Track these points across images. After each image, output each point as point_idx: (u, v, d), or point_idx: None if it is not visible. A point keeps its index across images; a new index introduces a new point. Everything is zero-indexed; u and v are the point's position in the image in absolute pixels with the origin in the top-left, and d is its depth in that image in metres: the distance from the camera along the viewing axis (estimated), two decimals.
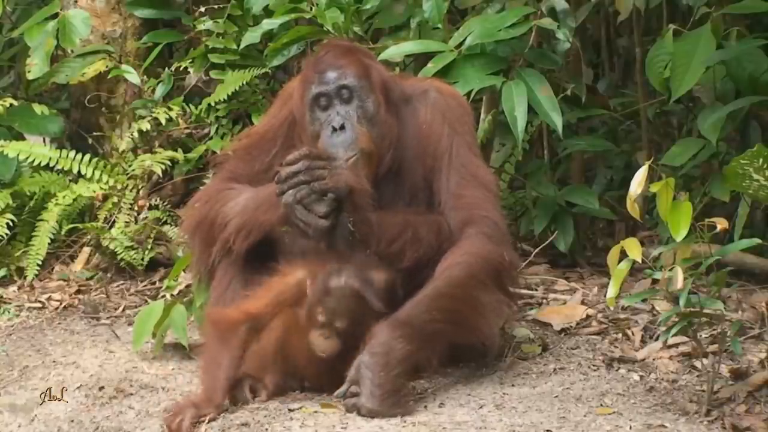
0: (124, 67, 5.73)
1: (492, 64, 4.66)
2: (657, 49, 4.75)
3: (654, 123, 5.49)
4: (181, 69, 5.72)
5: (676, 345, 4.10)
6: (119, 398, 4.04)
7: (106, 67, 5.73)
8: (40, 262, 5.32)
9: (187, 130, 5.71)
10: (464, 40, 4.65)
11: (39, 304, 5.11)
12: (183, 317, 4.37)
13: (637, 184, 3.52)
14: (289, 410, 3.69)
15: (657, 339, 4.18)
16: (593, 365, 4.06)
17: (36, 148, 5.55)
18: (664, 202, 3.47)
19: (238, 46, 5.53)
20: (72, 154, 5.54)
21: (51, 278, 5.42)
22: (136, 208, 5.53)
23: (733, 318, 4.16)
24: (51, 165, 5.51)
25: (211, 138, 5.65)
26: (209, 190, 4.25)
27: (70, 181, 5.60)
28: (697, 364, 3.93)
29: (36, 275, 5.31)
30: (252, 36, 5.32)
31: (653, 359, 4.06)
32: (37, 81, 5.73)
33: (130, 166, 5.58)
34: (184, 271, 4.76)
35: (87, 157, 5.56)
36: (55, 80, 5.75)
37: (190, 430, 3.63)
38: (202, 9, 5.72)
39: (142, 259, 5.36)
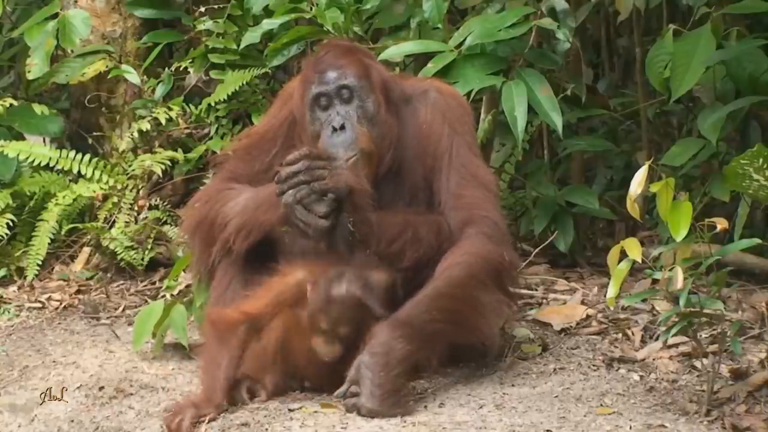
0: (124, 67, 5.73)
1: (492, 64, 4.65)
2: (657, 49, 4.75)
3: (654, 123, 5.49)
4: (181, 69, 5.72)
5: (676, 345, 4.10)
6: (119, 398, 4.04)
7: (106, 67, 5.73)
8: (40, 262, 5.32)
9: (187, 130, 5.71)
10: (464, 40, 4.65)
11: (39, 304, 5.11)
12: (183, 317, 4.37)
13: (637, 184, 3.52)
14: (289, 410, 3.69)
15: (657, 339, 4.18)
16: (593, 365, 4.05)
17: (36, 148, 5.55)
18: (664, 202, 3.47)
19: (238, 46, 5.53)
20: (72, 154, 5.54)
21: (51, 278, 5.42)
22: (136, 208, 5.53)
23: (733, 318, 4.16)
24: (51, 165, 5.51)
25: (211, 138, 5.65)
26: (209, 190, 4.25)
27: (70, 181, 5.60)
28: (697, 364, 3.93)
29: (36, 275, 5.31)
30: (252, 36, 5.32)
31: (653, 359, 4.06)
32: (37, 81, 5.73)
33: (130, 166, 5.58)
34: (184, 271, 4.76)
35: (87, 157, 5.56)
36: (55, 80, 5.75)
37: (189, 430, 3.63)
38: (202, 9, 5.72)
39: (142, 259, 5.36)
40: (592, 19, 5.64)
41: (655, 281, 3.81)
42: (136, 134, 5.60)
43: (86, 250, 5.52)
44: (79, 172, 5.52)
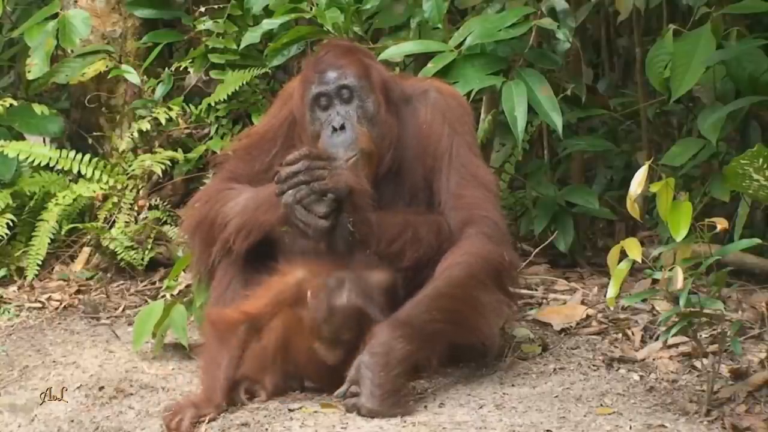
0: (124, 67, 5.73)
1: (492, 64, 4.65)
2: (657, 49, 4.75)
3: (654, 123, 5.49)
4: (181, 69, 5.72)
5: (676, 345, 4.10)
6: (119, 398, 4.04)
7: (106, 67, 5.73)
8: (40, 262, 5.32)
9: (187, 130, 5.71)
10: (464, 40, 4.65)
11: (39, 304, 5.11)
12: (183, 317, 4.37)
13: (637, 184, 3.52)
14: (289, 410, 3.69)
15: (657, 339, 4.18)
16: (593, 365, 4.05)
17: (36, 148, 5.55)
18: (664, 202, 3.47)
19: (238, 46, 5.53)
20: (72, 154, 5.54)
21: (51, 278, 5.42)
22: (136, 208, 5.53)
23: (733, 318, 4.16)
24: (51, 165, 5.51)
25: (211, 138, 5.65)
26: (209, 190, 4.25)
27: (70, 181, 5.60)
28: (697, 364, 3.93)
29: (36, 275, 5.31)
30: (252, 36, 5.32)
31: (653, 359, 4.06)
32: (37, 81, 5.72)
33: (130, 166, 5.58)
34: (184, 271, 4.76)
35: (87, 157, 5.56)
36: (55, 80, 5.75)
37: (189, 429, 3.63)
38: (202, 9, 5.72)
39: (142, 259, 5.36)
40: (592, 19, 5.64)
41: (655, 281, 3.81)
42: (136, 134, 5.60)
43: (86, 250, 5.52)
44: (79, 172, 5.52)
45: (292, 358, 3.82)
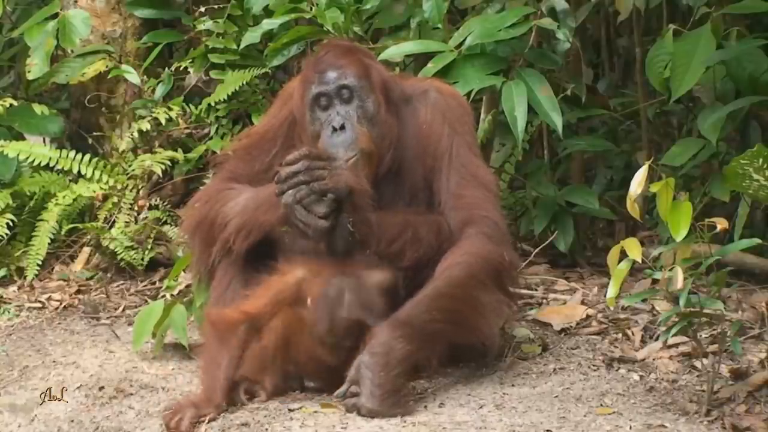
0: (124, 67, 5.73)
1: (492, 64, 4.65)
2: (657, 49, 4.75)
3: (654, 123, 5.49)
4: (181, 69, 5.72)
5: (676, 345, 4.10)
6: (119, 398, 4.04)
7: (106, 67, 5.73)
8: (40, 262, 5.32)
9: (187, 130, 5.71)
10: (464, 40, 4.65)
11: (39, 304, 5.11)
12: (183, 317, 4.37)
13: (637, 184, 3.52)
14: (289, 410, 3.69)
15: (657, 339, 4.18)
16: (593, 365, 4.05)
17: (36, 148, 5.55)
18: (664, 202, 3.47)
19: (238, 46, 5.52)
20: (72, 154, 5.54)
21: (51, 278, 5.42)
22: (136, 208, 5.53)
23: (733, 318, 4.16)
24: (51, 165, 5.51)
25: (211, 138, 5.65)
26: (209, 190, 4.25)
27: (70, 181, 5.60)
28: (697, 364, 3.93)
29: (36, 275, 5.31)
30: (252, 36, 5.32)
31: (653, 359, 4.06)
32: (37, 81, 5.72)
33: (130, 166, 5.58)
34: (184, 271, 4.76)
35: (87, 157, 5.56)
36: (55, 80, 5.75)
37: (189, 429, 3.63)
38: (202, 9, 5.72)
39: (142, 259, 5.36)
40: (592, 19, 5.64)
41: (655, 281, 3.81)
42: (136, 134, 5.60)
43: (86, 250, 5.52)
44: (79, 172, 5.52)
45: (292, 357, 3.82)
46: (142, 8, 5.84)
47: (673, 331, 3.60)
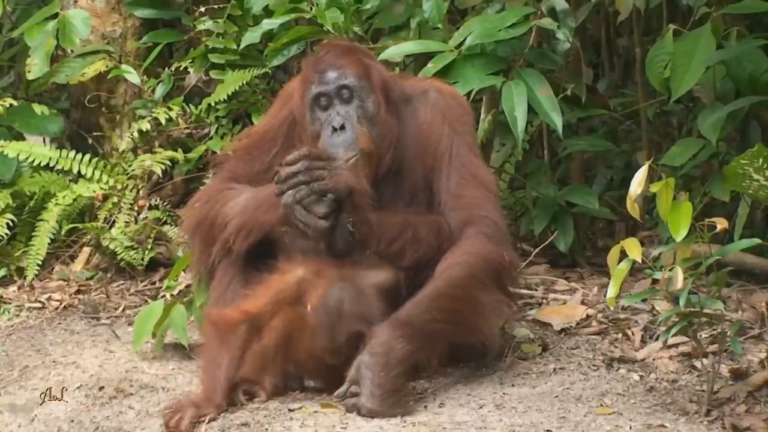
0: (124, 67, 5.73)
1: (492, 64, 4.65)
2: (657, 49, 4.75)
3: (654, 123, 5.49)
4: (181, 69, 5.72)
5: (676, 345, 4.10)
6: (119, 398, 4.04)
7: (106, 67, 5.73)
8: (40, 262, 5.32)
9: (187, 130, 5.71)
10: (464, 40, 4.65)
11: (39, 304, 5.11)
12: (183, 317, 4.37)
13: (637, 184, 3.52)
14: (289, 410, 3.69)
15: (657, 339, 4.18)
16: (593, 365, 4.05)
17: (36, 148, 5.55)
18: (664, 202, 3.47)
19: (238, 46, 5.52)
20: (72, 154, 5.54)
21: (51, 278, 5.42)
22: (136, 208, 5.53)
23: (733, 318, 4.16)
24: (51, 165, 5.51)
25: (211, 138, 5.65)
26: (209, 190, 4.25)
27: (70, 181, 5.60)
28: (697, 364, 3.93)
29: (36, 275, 5.31)
30: (252, 36, 5.32)
31: (653, 359, 4.06)
32: (37, 81, 5.72)
33: (130, 166, 5.58)
34: (184, 271, 4.76)
35: (87, 157, 5.56)
36: (55, 80, 5.75)
37: (189, 429, 3.63)
38: (202, 9, 5.72)
39: (142, 259, 5.36)
40: (592, 19, 5.64)
41: (655, 281, 3.81)
42: (136, 134, 5.60)
43: (86, 250, 5.52)
44: (79, 172, 5.52)
45: (293, 356, 3.82)
46: (142, 8, 5.84)
47: (673, 331, 3.60)
